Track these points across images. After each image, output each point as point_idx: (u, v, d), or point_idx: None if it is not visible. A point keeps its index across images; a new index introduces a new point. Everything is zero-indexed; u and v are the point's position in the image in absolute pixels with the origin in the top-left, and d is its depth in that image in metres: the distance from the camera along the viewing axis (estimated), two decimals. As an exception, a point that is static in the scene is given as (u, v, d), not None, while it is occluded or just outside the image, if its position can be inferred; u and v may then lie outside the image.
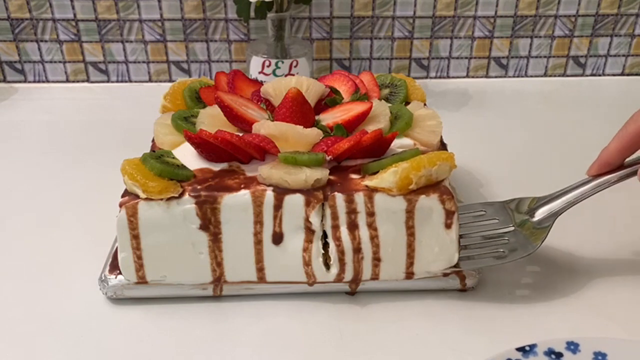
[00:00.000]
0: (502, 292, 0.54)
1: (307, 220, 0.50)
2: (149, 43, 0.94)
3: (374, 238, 0.50)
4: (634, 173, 0.50)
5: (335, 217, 0.50)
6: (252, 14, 0.82)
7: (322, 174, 0.49)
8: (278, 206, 0.49)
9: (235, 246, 0.51)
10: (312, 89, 0.57)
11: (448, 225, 0.50)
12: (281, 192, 0.49)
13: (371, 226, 0.50)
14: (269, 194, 0.49)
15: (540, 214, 0.53)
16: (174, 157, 0.53)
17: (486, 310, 0.52)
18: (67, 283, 0.55)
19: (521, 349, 0.43)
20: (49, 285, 0.55)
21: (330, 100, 0.59)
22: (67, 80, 0.96)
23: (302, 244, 0.51)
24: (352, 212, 0.49)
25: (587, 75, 1.00)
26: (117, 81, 0.96)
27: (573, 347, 0.44)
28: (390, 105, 0.59)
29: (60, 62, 0.95)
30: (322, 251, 0.51)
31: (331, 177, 0.51)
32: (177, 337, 0.50)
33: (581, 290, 0.54)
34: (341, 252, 0.50)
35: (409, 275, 0.52)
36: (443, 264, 0.52)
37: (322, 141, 0.52)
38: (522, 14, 0.94)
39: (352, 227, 0.50)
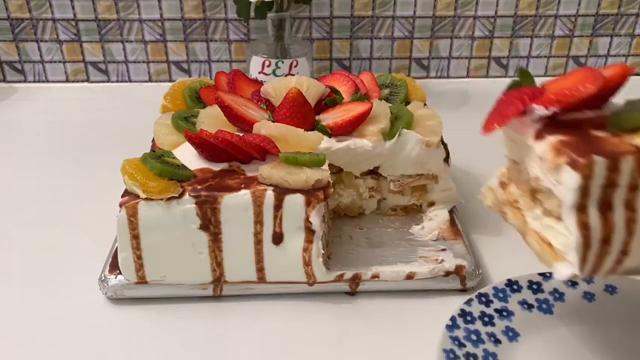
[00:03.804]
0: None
1: (307, 220, 0.49)
2: (149, 43, 0.94)
3: (630, 222, 0.35)
4: None
5: (585, 193, 0.35)
6: (252, 14, 0.82)
7: (322, 174, 0.49)
8: (278, 206, 0.49)
9: (235, 246, 0.51)
10: (312, 89, 0.57)
11: None
12: (281, 192, 0.49)
13: (629, 206, 0.35)
14: (269, 194, 0.49)
15: None
16: (174, 157, 0.53)
17: (486, 310, 0.52)
18: (67, 283, 0.55)
19: (542, 274, 0.49)
20: (49, 285, 0.55)
21: (331, 100, 0.59)
22: (67, 80, 0.96)
23: (302, 244, 0.50)
24: (610, 184, 0.35)
25: (587, 75, 1.00)
26: (117, 81, 0.96)
27: (588, 279, 0.47)
28: (390, 105, 0.59)
29: (60, 62, 0.94)
30: (322, 251, 0.51)
31: (564, 138, 0.36)
32: (177, 337, 0.50)
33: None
34: (586, 246, 0.35)
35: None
36: None
37: (519, 90, 0.39)
38: (522, 14, 0.94)
39: (605, 207, 0.35)
